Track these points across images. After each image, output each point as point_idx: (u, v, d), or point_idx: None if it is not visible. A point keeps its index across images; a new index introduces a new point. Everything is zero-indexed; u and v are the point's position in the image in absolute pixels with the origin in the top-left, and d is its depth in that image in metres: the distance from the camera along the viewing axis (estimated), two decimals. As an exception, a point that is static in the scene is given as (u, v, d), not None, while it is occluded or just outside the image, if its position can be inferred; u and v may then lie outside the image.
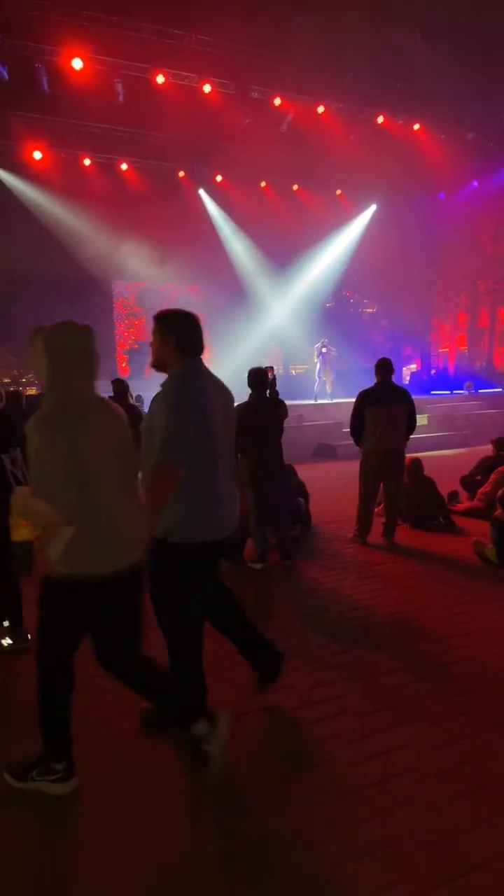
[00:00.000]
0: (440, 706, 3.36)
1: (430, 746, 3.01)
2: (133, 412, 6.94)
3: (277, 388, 10.50)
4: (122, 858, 2.38)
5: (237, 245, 20.81)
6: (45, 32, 12.00)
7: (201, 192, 19.56)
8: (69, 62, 12.58)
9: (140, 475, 2.82)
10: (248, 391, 5.64)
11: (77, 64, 12.60)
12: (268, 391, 5.77)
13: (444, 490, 7.52)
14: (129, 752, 3.02)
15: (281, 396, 8.33)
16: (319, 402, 15.97)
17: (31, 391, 20.04)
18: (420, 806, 2.62)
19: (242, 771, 2.87)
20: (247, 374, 5.76)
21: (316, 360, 16.77)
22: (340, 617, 4.63)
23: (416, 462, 7.23)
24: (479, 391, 18.64)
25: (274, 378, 5.82)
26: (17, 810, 2.66)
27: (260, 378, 5.71)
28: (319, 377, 16.69)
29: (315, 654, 4.01)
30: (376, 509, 6.78)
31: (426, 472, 7.33)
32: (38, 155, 16.07)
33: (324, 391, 16.54)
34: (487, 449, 8.43)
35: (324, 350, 16.50)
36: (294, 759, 2.95)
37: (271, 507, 5.81)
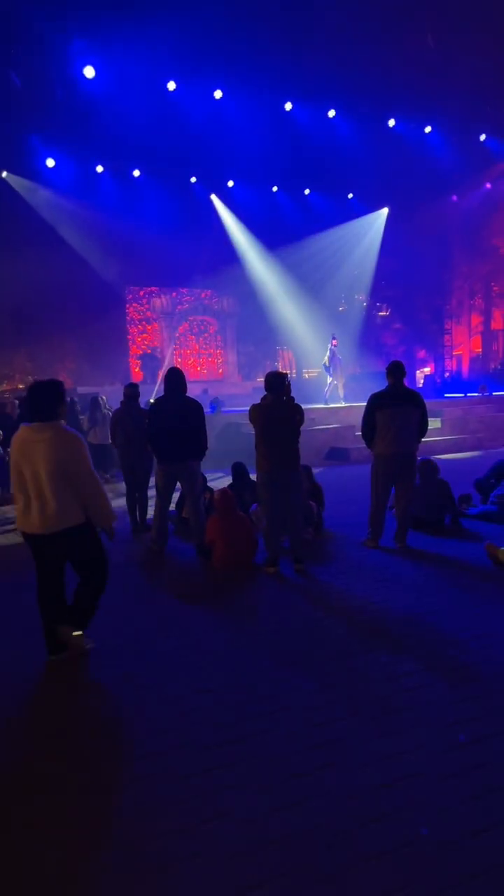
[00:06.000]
0: (451, 709, 3.34)
1: (441, 750, 2.99)
2: (141, 414, 7.43)
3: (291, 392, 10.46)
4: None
5: (249, 249, 20.86)
6: (58, 41, 12.15)
7: (213, 197, 19.65)
8: (81, 71, 12.72)
9: None
10: (246, 394, 5.73)
11: (89, 72, 12.73)
12: (284, 397, 5.81)
13: (457, 493, 7.48)
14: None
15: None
16: (331, 405, 15.90)
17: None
18: (429, 809, 2.61)
19: (248, 772, 2.87)
20: (265, 378, 5.91)
21: (326, 359, 16.45)
22: (352, 620, 4.62)
23: (428, 462, 7.19)
24: (494, 393, 18.51)
25: (289, 384, 5.88)
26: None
27: (277, 381, 5.77)
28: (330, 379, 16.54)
29: (325, 657, 4.00)
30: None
31: (441, 475, 7.29)
32: (51, 163, 16.25)
33: (335, 395, 16.43)
34: (502, 452, 8.37)
35: (333, 342, 16.23)
36: (302, 761, 2.95)
37: (285, 510, 5.82)
